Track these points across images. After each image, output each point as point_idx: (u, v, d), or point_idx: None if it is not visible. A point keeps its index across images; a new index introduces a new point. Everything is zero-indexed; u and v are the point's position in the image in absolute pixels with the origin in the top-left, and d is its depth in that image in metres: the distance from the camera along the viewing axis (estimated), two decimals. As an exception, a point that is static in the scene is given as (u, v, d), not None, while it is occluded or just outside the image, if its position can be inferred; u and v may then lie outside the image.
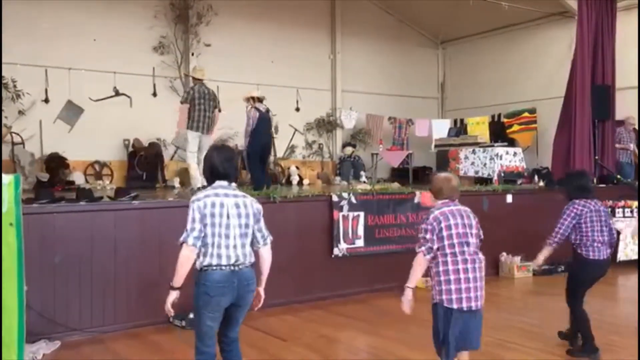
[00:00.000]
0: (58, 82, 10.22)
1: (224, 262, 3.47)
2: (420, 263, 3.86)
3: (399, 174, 12.86)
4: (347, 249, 7.44)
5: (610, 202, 8.98)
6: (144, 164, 10.64)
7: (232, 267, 3.49)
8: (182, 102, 8.18)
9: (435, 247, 3.79)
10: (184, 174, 10.67)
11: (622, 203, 9.11)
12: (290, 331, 5.92)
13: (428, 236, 3.81)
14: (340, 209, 7.43)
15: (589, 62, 10.33)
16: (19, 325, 4.15)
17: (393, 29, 14.30)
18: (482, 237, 3.95)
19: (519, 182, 10.42)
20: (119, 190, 6.70)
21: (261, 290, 3.79)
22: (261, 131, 8.55)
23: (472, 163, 10.55)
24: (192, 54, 11.42)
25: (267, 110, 8.89)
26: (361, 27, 13.74)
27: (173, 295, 3.59)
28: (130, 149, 10.89)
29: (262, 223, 3.66)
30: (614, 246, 5.31)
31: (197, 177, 8.55)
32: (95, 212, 5.94)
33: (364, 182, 11.20)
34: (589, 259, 5.03)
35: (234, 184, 3.65)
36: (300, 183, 11.36)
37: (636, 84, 10.56)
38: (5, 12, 8.26)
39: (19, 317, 4.17)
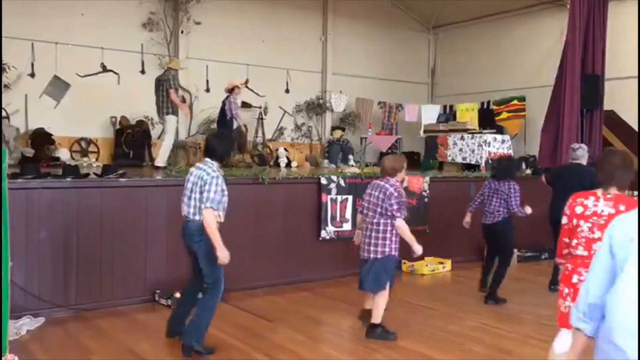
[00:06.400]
0: (44, 57, 10.04)
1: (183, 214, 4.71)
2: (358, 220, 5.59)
3: (387, 158, 12.84)
4: (334, 232, 7.45)
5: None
6: (131, 142, 10.52)
7: (185, 219, 4.67)
8: (172, 88, 8.61)
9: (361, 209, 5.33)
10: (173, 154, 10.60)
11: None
12: (276, 312, 5.94)
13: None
14: (329, 191, 7.43)
15: (579, 52, 10.33)
16: (2, 301, 4.11)
17: (385, 13, 14.20)
18: (391, 211, 4.99)
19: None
20: (105, 167, 6.64)
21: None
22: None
23: (461, 149, 10.58)
24: (182, 32, 11.25)
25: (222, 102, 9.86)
26: (353, 9, 13.62)
27: None
28: (117, 126, 10.76)
29: (205, 194, 4.44)
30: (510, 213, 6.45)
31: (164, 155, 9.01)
32: (82, 188, 5.88)
33: (352, 165, 11.19)
34: (482, 223, 6.63)
35: (208, 160, 4.60)
36: (288, 165, 11.33)
37: (625, 75, 10.65)
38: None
39: (3, 293, 4.13)
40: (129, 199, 6.11)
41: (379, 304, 5.11)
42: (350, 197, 7.57)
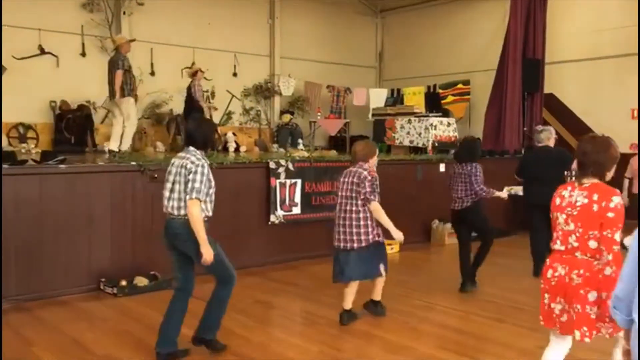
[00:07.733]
0: (-23, 38, 9.55)
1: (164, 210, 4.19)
2: None
3: (336, 142, 12.92)
4: (283, 216, 7.45)
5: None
6: (73, 127, 10.18)
7: (168, 217, 4.17)
8: (121, 69, 8.16)
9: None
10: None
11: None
12: (225, 297, 5.90)
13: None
14: (278, 176, 7.41)
15: (521, 36, 10.62)
16: None
17: (333, -4, 14.17)
18: (364, 194, 4.92)
19: (452, 151, 10.70)
20: (45, 153, 6.39)
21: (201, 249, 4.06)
22: None
23: (408, 132, 10.73)
24: (124, 13, 10.90)
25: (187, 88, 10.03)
26: (301, -8, 13.53)
27: None
28: (58, 111, 10.38)
29: (189, 184, 3.99)
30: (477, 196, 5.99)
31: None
32: (19, 175, 5.65)
33: (302, 149, 11.18)
34: (451, 209, 6.23)
35: (191, 149, 4.15)
36: (237, 150, 11.22)
37: (564, 59, 11.06)
38: None
39: None
40: (70, 186, 5.92)
41: (379, 285, 5.25)
42: (299, 181, 7.58)
